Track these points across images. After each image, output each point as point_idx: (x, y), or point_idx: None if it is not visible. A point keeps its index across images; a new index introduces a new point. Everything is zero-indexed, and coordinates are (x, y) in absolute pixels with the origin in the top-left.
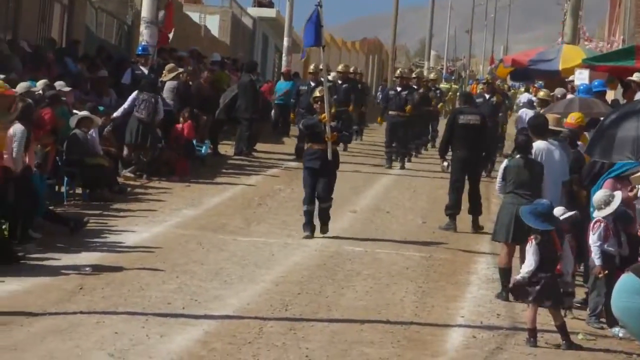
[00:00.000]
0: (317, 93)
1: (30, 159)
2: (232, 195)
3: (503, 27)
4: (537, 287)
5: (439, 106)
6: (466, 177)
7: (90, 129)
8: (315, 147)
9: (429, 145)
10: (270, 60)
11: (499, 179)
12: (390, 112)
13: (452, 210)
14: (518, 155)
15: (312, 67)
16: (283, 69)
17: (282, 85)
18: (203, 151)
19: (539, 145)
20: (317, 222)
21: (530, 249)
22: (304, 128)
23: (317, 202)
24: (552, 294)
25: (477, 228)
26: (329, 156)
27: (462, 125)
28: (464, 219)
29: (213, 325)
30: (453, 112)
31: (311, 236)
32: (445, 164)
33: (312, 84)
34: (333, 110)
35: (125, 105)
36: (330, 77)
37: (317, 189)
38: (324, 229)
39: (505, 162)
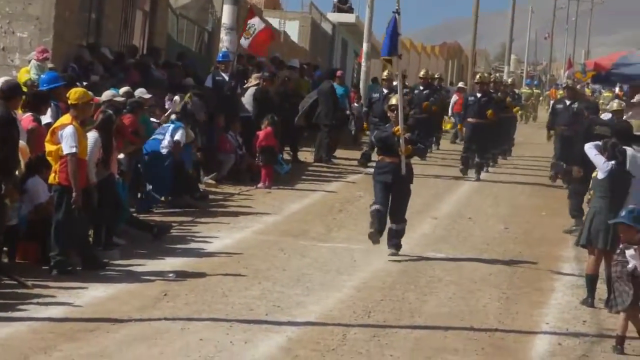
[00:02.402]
0: (393, 100)
1: (113, 166)
2: (313, 202)
3: (585, 31)
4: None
5: (514, 110)
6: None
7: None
8: (387, 160)
9: (507, 154)
10: (349, 66)
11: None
12: (469, 119)
13: (576, 212)
14: (613, 162)
15: (385, 73)
16: (338, 72)
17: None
18: (283, 171)
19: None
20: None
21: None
22: (376, 141)
23: (389, 222)
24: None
25: None
26: (403, 170)
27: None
28: (546, 223)
29: (296, 332)
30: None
31: (377, 238)
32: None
33: (385, 90)
34: (411, 114)
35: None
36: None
37: (390, 207)
38: (394, 251)
39: (609, 164)
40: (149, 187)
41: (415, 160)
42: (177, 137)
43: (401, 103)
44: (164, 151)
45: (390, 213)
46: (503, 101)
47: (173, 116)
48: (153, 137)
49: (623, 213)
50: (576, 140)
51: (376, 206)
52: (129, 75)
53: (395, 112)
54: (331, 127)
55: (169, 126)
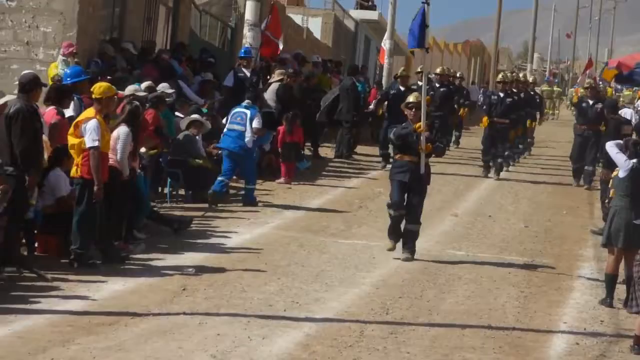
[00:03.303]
0: (411, 98)
1: (134, 161)
2: (333, 198)
3: (608, 30)
4: None
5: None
6: None
7: (200, 132)
8: (406, 158)
9: (527, 153)
10: (371, 63)
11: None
12: (492, 120)
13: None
14: (635, 160)
15: (400, 70)
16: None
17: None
18: (303, 167)
19: None
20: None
21: None
22: (395, 138)
23: (404, 223)
24: None
25: None
26: (422, 169)
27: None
28: (567, 222)
29: (314, 328)
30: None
31: (393, 248)
32: None
33: (402, 88)
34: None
35: None
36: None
37: (408, 208)
38: (408, 255)
39: (630, 163)
40: (220, 178)
41: (437, 159)
42: (255, 124)
43: (424, 100)
44: (250, 145)
45: (406, 213)
46: (527, 102)
47: (247, 101)
48: (233, 128)
49: None
50: (599, 141)
51: (392, 211)
52: (144, 70)
53: (413, 109)
54: (352, 124)
55: (246, 114)
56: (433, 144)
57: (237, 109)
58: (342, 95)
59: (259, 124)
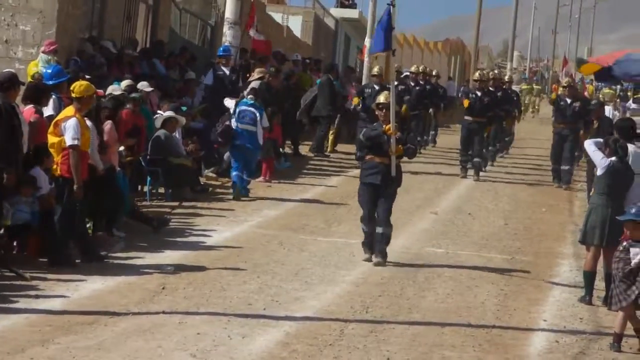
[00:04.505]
0: (381, 99)
1: (113, 158)
2: (313, 196)
3: (588, 28)
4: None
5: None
6: None
7: (175, 129)
8: (377, 160)
9: (504, 152)
10: (351, 62)
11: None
12: (466, 118)
13: None
14: (613, 158)
15: (376, 69)
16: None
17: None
18: (282, 167)
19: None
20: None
21: None
22: (365, 139)
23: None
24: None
25: None
26: (392, 171)
27: None
28: (546, 220)
29: (294, 326)
30: None
31: (371, 259)
32: None
33: (376, 87)
34: (404, 110)
35: None
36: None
37: (377, 210)
38: (380, 260)
39: (607, 161)
40: (235, 172)
41: (417, 157)
42: (264, 124)
43: (393, 101)
44: (261, 141)
45: (377, 217)
46: (503, 100)
47: (250, 97)
48: (246, 129)
49: (633, 210)
50: (577, 140)
51: (366, 227)
52: (111, 70)
53: (384, 110)
54: (329, 118)
55: (255, 114)
56: (404, 145)
57: (243, 107)
58: (319, 92)
59: (266, 124)
